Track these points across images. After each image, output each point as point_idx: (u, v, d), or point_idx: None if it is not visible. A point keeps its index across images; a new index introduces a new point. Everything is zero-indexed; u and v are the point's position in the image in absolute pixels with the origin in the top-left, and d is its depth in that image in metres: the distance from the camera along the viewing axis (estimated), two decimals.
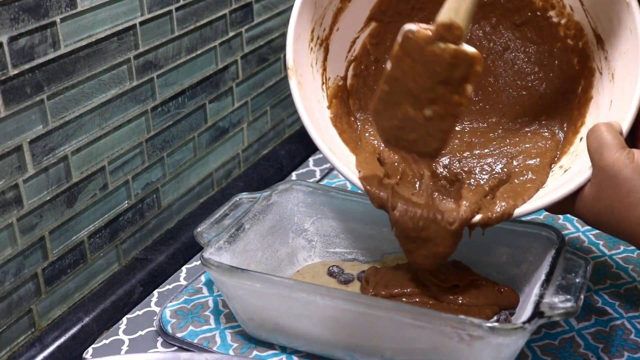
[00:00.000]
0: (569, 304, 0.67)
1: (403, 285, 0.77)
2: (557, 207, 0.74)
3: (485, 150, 0.85)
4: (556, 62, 0.86)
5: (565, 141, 0.81)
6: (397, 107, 0.71)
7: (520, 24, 0.89)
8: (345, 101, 0.89)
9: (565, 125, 0.83)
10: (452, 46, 0.68)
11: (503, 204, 0.74)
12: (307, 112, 0.82)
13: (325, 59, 0.87)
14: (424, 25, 0.69)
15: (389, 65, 0.70)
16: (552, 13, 0.85)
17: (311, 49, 0.86)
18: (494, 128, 0.87)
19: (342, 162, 0.80)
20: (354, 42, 0.90)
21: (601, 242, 0.90)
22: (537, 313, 0.66)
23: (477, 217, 0.74)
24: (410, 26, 0.69)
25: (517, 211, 0.74)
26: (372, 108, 0.73)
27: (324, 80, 0.87)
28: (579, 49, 0.83)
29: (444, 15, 0.68)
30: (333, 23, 0.87)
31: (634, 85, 0.73)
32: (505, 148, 0.84)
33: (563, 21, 0.85)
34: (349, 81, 0.89)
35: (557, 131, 0.84)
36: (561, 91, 0.85)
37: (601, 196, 0.70)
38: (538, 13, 0.87)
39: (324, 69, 0.87)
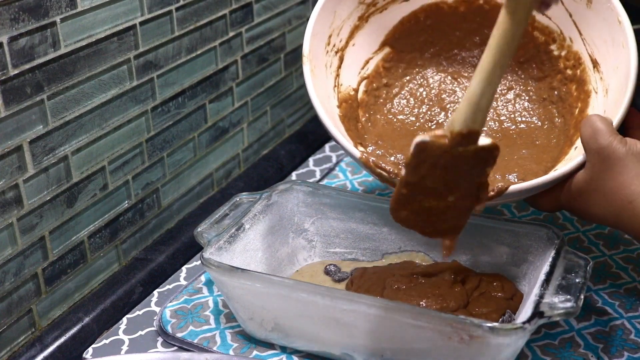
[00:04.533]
0: (569, 304, 0.67)
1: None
2: (549, 198, 0.76)
3: None
4: (555, 92, 0.90)
5: (561, 152, 0.84)
6: (419, 204, 0.69)
7: (524, 61, 0.93)
8: (355, 109, 0.91)
9: (561, 140, 0.86)
10: (472, 147, 0.66)
11: (499, 184, 0.75)
12: (318, 97, 0.83)
13: (339, 67, 0.90)
14: (438, 133, 0.65)
15: (403, 172, 0.67)
16: (553, 47, 0.90)
17: (327, 52, 0.89)
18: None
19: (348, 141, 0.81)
20: (367, 61, 0.94)
21: (601, 242, 0.90)
22: (537, 313, 0.66)
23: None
24: (422, 138, 0.65)
25: (513, 187, 0.74)
26: (391, 208, 0.70)
27: (336, 84, 0.90)
28: (577, 77, 0.87)
29: (461, 125, 0.64)
30: (349, 38, 0.90)
31: (625, 89, 0.77)
32: (501, 163, 0.85)
33: (563, 53, 0.89)
34: (360, 95, 0.92)
35: (553, 146, 0.87)
36: (559, 118, 0.89)
37: (594, 177, 0.72)
38: (541, 48, 0.91)
39: (337, 75, 0.90)
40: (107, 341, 0.79)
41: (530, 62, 0.93)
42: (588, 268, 0.72)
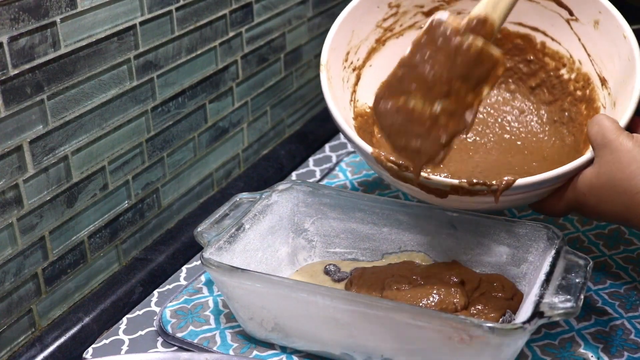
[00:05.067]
0: (569, 304, 0.67)
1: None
2: (557, 199, 0.77)
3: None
4: (566, 114, 0.93)
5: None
6: (406, 97, 0.66)
7: (535, 87, 0.96)
8: (370, 125, 0.93)
9: (572, 155, 0.87)
10: (480, 41, 0.66)
11: (506, 177, 0.76)
12: (334, 102, 0.84)
13: (356, 84, 0.92)
14: (456, 17, 0.67)
15: (407, 51, 0.67)
16: (563, 71, 0.93)
17: (344, 67, 0.90)
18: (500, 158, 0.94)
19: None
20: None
21: (601, 242, 0.90)
22: (537, 313, 0.66)
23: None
24: (441, 14, 0.66)
25: (520, 181, 0.75)
26: (377, 94, 0.69)
27: (353, 99, 0.92)
28: (586, 97, 0.90)
29: (480, 8, 0.66)
30: (367, 58, 0.93)
31: (630, 97, 0.79)
32: (511, 171, 0.89)
33: (573, 76, 0.92)
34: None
35: (563, 160, 0.90)
36: (569, 137, 0.92)
37: (602, 171, 0.73)
38: (551, 73, 0.94)
39: (354, 91, 0.92)
40: (107, 341, 0.79)
41: (541, 87, 0.96)
42: (588, 268, 0.72)
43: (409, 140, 0.68)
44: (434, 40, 0.65)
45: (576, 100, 0.91)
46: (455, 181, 0.75)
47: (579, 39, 0.90)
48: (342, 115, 0.84)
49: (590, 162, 0.76)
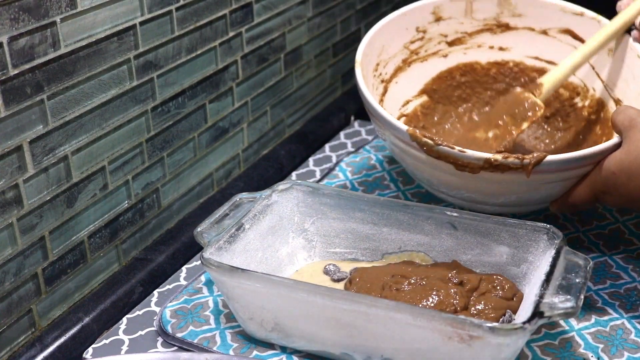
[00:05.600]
0: (569, 304, 0.67)
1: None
2: (585, 185, 0.81)
3: None
4: (581, 137, 0.96)
5: None
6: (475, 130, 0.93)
7: (549, 116, 1.00)
8: None
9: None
10: (533, 97, 0.90)
11: (536, 153, 0.79)
12: (367, 89, 0.89)
13: (383, 94, 0.97)
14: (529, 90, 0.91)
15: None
16: (577, 99, 0.97)
17: (374, 75, 0.95)
18: None
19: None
20: (407, 102, 1.01)
21: (601, 242, 0.90)
22: (537, 313, 0.66)
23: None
24: (517, 88, 0.92)
25: (550, 157, 0.78)
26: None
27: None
28: (601, 119, 0.94)
29: (542, 78, 0.91)
30: (393, 75, 0.98)
31: None
32: None
33: (587, 103, 0.96)
34: None
35: None
36: None
37: (632, 148, 0.77)
38: (565, 103, 0.99)
39: (382, 100, 0.97)
40: (107, 341, 0.79)
41: (555, 115, 0.99)
42: (588, 268, 0.72)
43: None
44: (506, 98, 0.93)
45: (590, 124, 0.94)
46: (489, 155, 0.78)
47: (593, 68, 0.95)
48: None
49: (617, 146, 0.78)
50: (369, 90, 0.87)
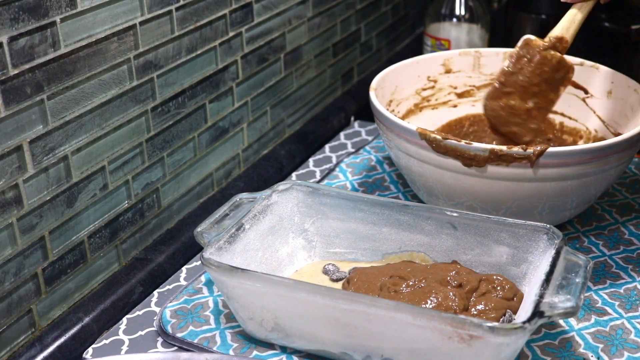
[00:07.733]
0: (569, 304, 0.67)
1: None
2: None
3: None
4: None
5: None
6: (506, 99, 0.91)
7: None
8: None
9: None
10: (558, 54, 0.89)
11: (540, 145, 0.81)
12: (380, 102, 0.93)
13: None
14: (540, 39, 0.89)
15: (505, 64, 0.91)
16: (580, 142, 1.01)
17: (387, 109, 0.96)
18: None
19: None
20: None
21: (601, 242, 0.90)
22: (537, 313, 0.66)
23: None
24: (529, 35, 0.90)
25: (552, 149, 0.81)
26: (485, 97, 0.93)
27: None
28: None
29: (558, 30, 0.89)
30: (404, 116, 1.03)
31: None
32: None
33: (590, 143, 0.97)
34: None
35: None
36: None
37: None
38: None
39: None
40: (107, 341, 0.79)
41: None
42: (588, 268, 0.72)
43: (511, 127, 0.92)
44: (526, 54, 0.90)
45: None
46: (494, 145, 0.81)
47: (594, 112, 0.99)
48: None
49: (616, 142, 0.81)
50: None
